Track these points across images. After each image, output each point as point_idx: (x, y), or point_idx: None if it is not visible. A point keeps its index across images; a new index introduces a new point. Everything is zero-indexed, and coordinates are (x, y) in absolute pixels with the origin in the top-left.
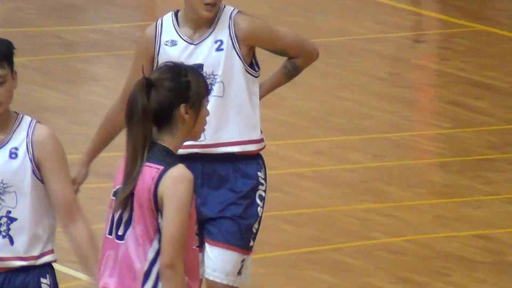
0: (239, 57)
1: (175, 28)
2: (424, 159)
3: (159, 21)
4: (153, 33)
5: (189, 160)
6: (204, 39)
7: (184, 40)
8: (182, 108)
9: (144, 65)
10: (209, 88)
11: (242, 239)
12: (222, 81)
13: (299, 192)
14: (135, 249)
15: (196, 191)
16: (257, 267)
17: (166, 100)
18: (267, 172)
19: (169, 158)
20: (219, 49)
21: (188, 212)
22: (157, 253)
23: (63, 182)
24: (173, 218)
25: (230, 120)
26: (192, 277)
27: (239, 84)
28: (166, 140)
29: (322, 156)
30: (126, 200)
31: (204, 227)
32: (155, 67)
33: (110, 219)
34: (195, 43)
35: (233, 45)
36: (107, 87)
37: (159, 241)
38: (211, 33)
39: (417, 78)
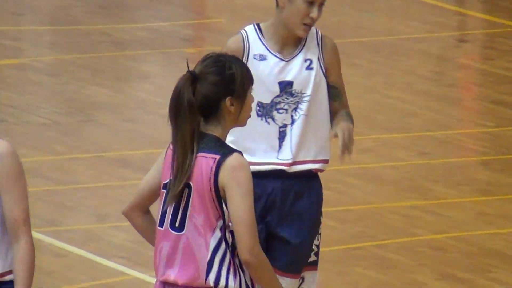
0: (325, 77)
1: (262, 42)
2: (468, 157)
3: (244, 33)
4: (241, 46)
5: (269, 177)
6: (295, 56)
7: (274, 56)
8: (228, 101)
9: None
10: (296, 106)
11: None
12: (309, 101)
13: (345, 189)
14: (196, 238)
15: (274, 208)
16: None
17: (211, 94)
18: None
19: (224, 147)
20: (309, 68)
21: (253, 198)
22: (219, 241)
23: (14, 200)
24: (241, 206)
25: (311, 138)
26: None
27: (324, 104)
28: (215, 131)
29: (368, 153)
30: (181, 192)
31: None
32: None
33: (161, 212)
34: (286, 59)
35: (321, 66)
36: (155, 85)
37: (221, 229)
38: (301, 50)
39: (462, 77)
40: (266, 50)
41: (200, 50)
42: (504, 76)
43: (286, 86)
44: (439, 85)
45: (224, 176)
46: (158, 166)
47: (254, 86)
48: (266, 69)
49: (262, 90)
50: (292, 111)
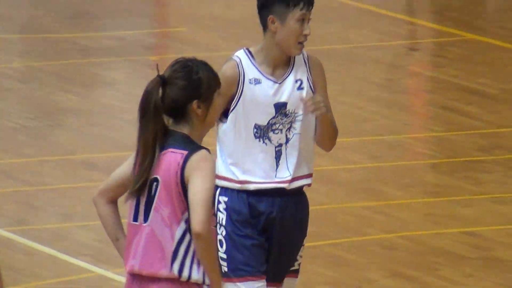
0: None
1: (255, 66)
2: (417, 160)
3: (237, 59)
4: (236, 72)
5: (269, 194)
6: (286, 78)
7: (268, 79)
8: (195, 104)
9: (221, 104)
10: (290, 125)
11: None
12: (302, 120)
13: None
14: (163, 230)
15: (274, 224)
16: None
17: (179, 97)
18: None
19: (192, 144)
20: (300, 88)
21: (214, 185)
22: (184, 232)
23: None
24: (199, 188)
25: (304, 154)
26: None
27: (312, 121)
28: (184, 130)
29: (323, 157)
30: (142, 187)
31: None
32: (234, 106)
33: (134, 207)
34: (279, 81)
35: (310, 85)
36: (120, 91)
37: (186, 221)
38: (291, 71)
39: (412, 84)
40: (260, 74)
41: (163, 58)
42: (452, 83)
43: (280, 108)
44: (390, 92)
45: (189, 169)
46: (130, 161)
47: (250, 109)
48: (262, 92)
49: (259, 113)
50: (286, 130)
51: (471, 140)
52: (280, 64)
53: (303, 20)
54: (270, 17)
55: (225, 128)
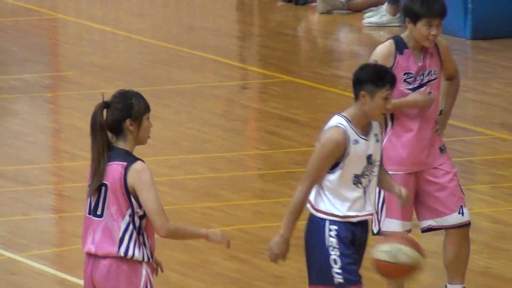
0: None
1: (354, 130)
2: (248, 171)
3: (343, 127)
4: (345, 138)
5: (359, 224)
6: (369, 134)
7: (362, 138)
8: (128, 122)
9: (328, 163)
10: (372, 171)
11: None
12: (379, 165)
13: (159, 195)
14: (112, 223)
15: (361, 247)
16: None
17: (116, 116)
18: None
19: (130, 157)
20: (377, 140)
21: (155, 190)
22: (128, 224)
23: None
24: (147, 197)
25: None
26: (151, 236)
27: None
28: (123, 145)
29: (175, 168)
30: (97, 189)
31: None
32: (341, 162)
33: (88, 204)
34: (367, 139)
35: (381, 136)
36: (24, 119)
37: (129, 215)
38: (370, 129)
39: (244, 115)
40: (357, 136)
41: (56, 94)
42: (274, 113)
43: (369, 159)
44: (228, 120)
45: (131, 178)
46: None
47: (352, 163)
48: (359, 150)
49: (357, 165)
50: (370, 175)
51: (289, 156)
52: (365, 125)
53: (386, 99)
54: (362, 93)
55: (332, 178)
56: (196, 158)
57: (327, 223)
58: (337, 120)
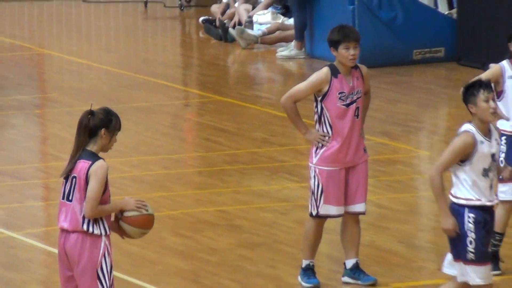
0: None
1: (480, 134)
2: (190, 169)
3: (472, 132)
4: (475, 141)
5: (490, 210)
6: (491, 138)
7: (486, 139)
8: (103, 130)
9: (458, 157)
10: (495, 166)
11: None
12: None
13: (123, 187)
14: (77, 206)
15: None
16: None
17: (96, 123)
18: None
19: (96, 157)
20: (498, 143)
21: (103, 186)
22: None
23: None
24: (91, 186)
25: None
26: (107, 218)
27: None
28: (92, 147)
29: (135, 167)
30: (67, 173)
31: None
32: (470, 158)
33: (62, 191)
34: (490, 140)
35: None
36: (19, 131)
37: None
38: (492, 134)
39: (187, 126)
40: (483, 138)
41: (43, 111)
42: (209, 124)
43: (492, 156)
44: (175, 130)
45: (91, 172)
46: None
47: (480, 159)
48: (486, 149)
49: (484, 161)
50: (494, 170)
51: (220, 157)
52: (486, 130)
53: (487, 101)
54: (469, 105)
55: (466, 169)
56: (151, 159)
57: (466, 210)
58: (467, 127)
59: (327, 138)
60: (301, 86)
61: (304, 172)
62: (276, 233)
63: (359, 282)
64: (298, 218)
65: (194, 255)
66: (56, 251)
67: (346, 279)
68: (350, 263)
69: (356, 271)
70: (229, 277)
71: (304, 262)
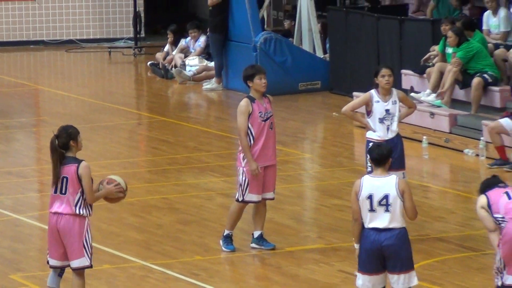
0: None
1: (377, 95)
2: (142, 169)
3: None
4: (371, 96)
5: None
6: (389, 100)
7: (380, 100)
8: (71, 142)
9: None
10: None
11: None
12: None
13: (96, 181)
14: (71, 197)
15: None
16: None
17: (63, 141)
18: None
19: (78, 160)
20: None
21: (90, 177)
22: (79, 198)
23: None
24: (87, 182)
25: None
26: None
27: None
28: (71, 153)
29: (104, 168)
30: (56, 179)
31: None
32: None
33: (54, 188)
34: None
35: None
36: (22, 143)
37: (81, 193)
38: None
39: (140, 138)
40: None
41: (38, 129)
42: (155, 137)
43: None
44: (131, 141)
45: (80, 170)
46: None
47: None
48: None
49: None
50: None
51: (164, 161)
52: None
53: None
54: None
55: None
56: (114, 162)
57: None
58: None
59: (256, 171)
60: (240, 119)
61: (223, 170)
62: (203, 213)
63: (262, 247)
64: (219, 203)
65: (145, 229)
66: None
67: (253, 245)
68: (256, 233)
69: (260, 239)
70: (170, 245)
71: (226, 232)
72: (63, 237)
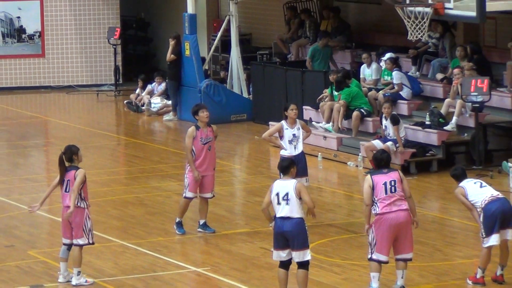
0: None
1: (284, 125)
2: (121, 177)
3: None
4: (281, 126)
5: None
6: (295, 128)
7: (288, 128)
8: (75, 156)
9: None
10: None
11: None
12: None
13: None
14: (71, 193)
15: None
16: None
17: (69, 156)
18: None
19: (77, 168)
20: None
21: (82, 182)
22: (80, 194)
23: None
24: (77, 181)
25: None
26: (86, 196)
27: None
28: (74, 164)
29: (93, 175)
30: (61, 181)
31: None
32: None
33: (62, 189)
34: (292, 128)
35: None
36: (36, 158)
37: (80, 191)
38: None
39: (119, 155)
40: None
41: (48, 148)
42: (130, 154)
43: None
44: (113, 157)
45: (76, 174)
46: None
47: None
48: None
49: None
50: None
51: (136, 170)
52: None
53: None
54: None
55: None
56: (101, 171)
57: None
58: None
59: (197, 178)
60: (187, 141)
61: (178, 177)
62: (164, 207)
63: (206, 231)
64: (176, 200)
65: (123, 219)
66: (55, 218)
67: (199, 230)
68: (201, 221)
69: (204, 226)
70: (141, 229)
71: (177, 219)
72: (71, 223)
